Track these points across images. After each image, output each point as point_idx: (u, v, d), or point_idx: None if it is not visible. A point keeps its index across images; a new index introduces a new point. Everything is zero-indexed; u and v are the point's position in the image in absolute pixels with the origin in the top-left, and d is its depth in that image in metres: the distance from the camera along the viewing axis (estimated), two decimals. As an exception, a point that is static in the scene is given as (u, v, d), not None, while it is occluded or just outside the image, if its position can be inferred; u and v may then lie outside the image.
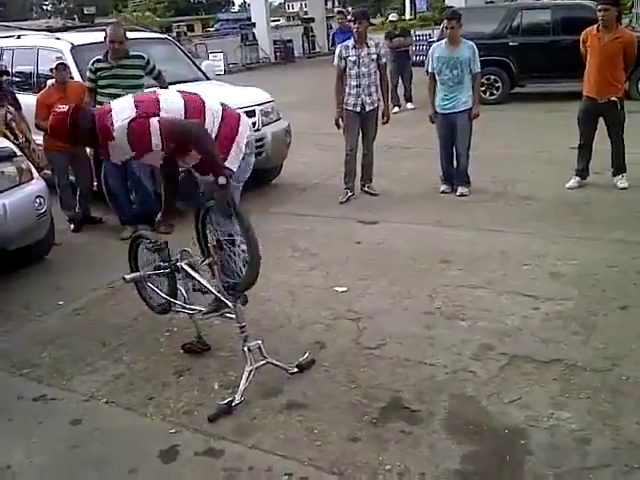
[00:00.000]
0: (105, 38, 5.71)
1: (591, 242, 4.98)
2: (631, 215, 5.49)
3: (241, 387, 3.25)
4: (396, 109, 11.62)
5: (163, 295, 3.88)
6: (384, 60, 6.52)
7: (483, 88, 11.71)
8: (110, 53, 5.67)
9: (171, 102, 3.34)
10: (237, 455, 2.90)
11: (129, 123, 3.15)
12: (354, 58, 6.30)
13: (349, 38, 6.78)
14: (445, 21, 6.50)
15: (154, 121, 3.16)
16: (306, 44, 27.79)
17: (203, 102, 3.41)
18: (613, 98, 6.18)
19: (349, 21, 6.69)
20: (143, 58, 5.83)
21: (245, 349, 3.34)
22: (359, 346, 3.72)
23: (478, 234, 5.34)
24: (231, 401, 3.19)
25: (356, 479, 2.70)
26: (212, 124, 3.34)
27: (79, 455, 2.99)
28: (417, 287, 4.38)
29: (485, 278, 4.44)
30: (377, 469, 2.74)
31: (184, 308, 3.78)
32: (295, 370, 3.46)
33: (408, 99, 12.14)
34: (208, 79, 7.81)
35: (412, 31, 17.90)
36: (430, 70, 6.45)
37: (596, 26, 6.17)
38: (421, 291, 4.32)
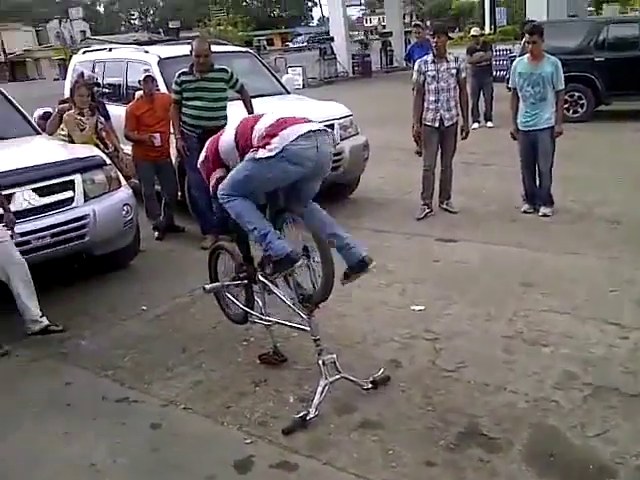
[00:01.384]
0: (191, 51, 5.88)
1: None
2: None
3: (315, 401, 3.26)
4: (475, 125, 11.46)
5: (240, 305, 3.96)
6: (463, 75, 6.46)
7: (566, 105, 11.37)
8: (195, 66, 5.82)
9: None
10: (311, 470, 2.91)
11: None
12: (433, 73, 6.28)
13: (427, 53, 6.75)
14: (526, 35, 6.36)
15: None
16: (384, 58, 27.82)
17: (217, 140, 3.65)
18: None
19: (429, 35, 6.66)
20: (227, 72, 5.97)
21: (320, 362, 3.36)
22: (436, 367, 3.67)
23: (561, 257, 5.18)
24: (306, 415, 3.21)
25: (432, 504, 2.67)
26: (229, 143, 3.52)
27: (159, 459, 3.07)
28: (497, 309, 4.28)
29: (569, 303, 4.29)
30: (454, 496, 2.70)
31: (261, 319, 3.84)
32: (369, 386, 3.44)
33: (488, 118, 11.94)
34: (288, 93, 7.93)
35: (492, 46, 17.61)
36: (512, 86, 6.33)
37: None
38: (502, 314, 4.22)
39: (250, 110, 6.14)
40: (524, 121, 6.26)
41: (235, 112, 6.03)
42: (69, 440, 3.25)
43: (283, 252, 3.33)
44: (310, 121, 3.41)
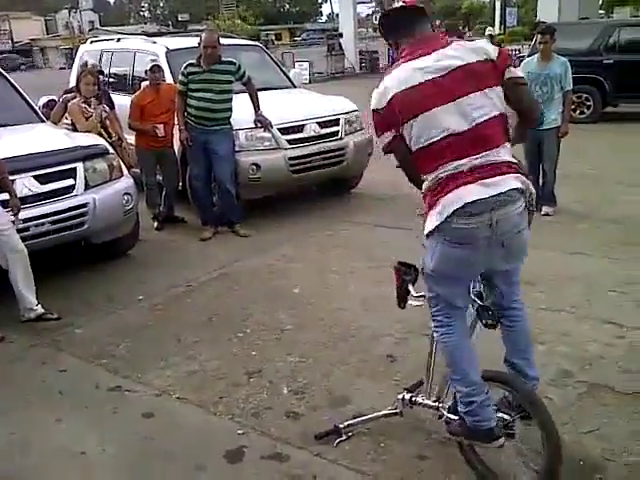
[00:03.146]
0: (199, 43, 5.85)
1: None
2: None
3: (359, 419, 3.09)
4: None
5: None
6: None
7: (573, 106, 11.31)
8: (203, 58, 5.80)
9: None
10: (302, 462, 2.90)
11: None
12: None
13: None
14: (538, 36, 6.33)
15: None
16: (391, 55, 27.79)
17: None
18: None
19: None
20: (234, 64, 5.95)
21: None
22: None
23: (562, 256, 5.15)
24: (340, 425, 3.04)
25: (421, 498, 2.65)
26: None
27: (149, 448, 3.06)
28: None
29: (568, 302, 4.26)
30: (444, 489, 2.68)
31: None
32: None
33: None
34: (295, 87, 7.91)
35: (504, 45, 17.56)
36: None
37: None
38: (499, 310, 4.19)
39: (256, 103, 6.14)
40: (532, 121, 6.22)
41: (240, 105, 6.06)
42: (60, 428, 3.24)
43: (485, 426, 2.50)
44: (495, 175, 2.34)
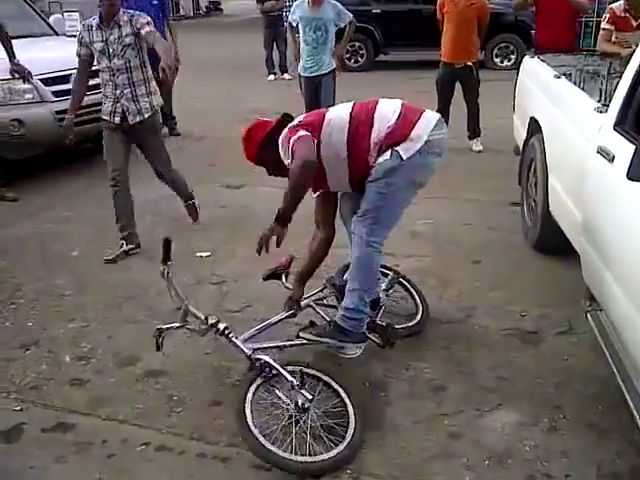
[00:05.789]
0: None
1: (448, 202, 5.17)
2: (484, 177, 5.75)
3: None
4: (271, 77, 11.44)
5: None
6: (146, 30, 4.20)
7: (348, 55, 11.78)
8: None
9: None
10: (89, 428, 2.74)
11: None
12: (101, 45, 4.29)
13: None
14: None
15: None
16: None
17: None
18: (469, 63, 6.42)
19: None
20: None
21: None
22: (222, 309, 3.64)
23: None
24: None
25: (217, 443, 2.63)
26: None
27: None
28: (280, 249, 4.31)
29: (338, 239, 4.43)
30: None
31: None
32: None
33: (284, 70, 11.66)
34: (57, 34, 7.24)
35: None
36: (293, 23, 6.32)
37: (452, -8, 6.37)
38: (284, 251, 4.25)
39: (10, 51, 5.51)
40: (307, 67, 6.30)
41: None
42: None
43: (361, 330, 2.99)
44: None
